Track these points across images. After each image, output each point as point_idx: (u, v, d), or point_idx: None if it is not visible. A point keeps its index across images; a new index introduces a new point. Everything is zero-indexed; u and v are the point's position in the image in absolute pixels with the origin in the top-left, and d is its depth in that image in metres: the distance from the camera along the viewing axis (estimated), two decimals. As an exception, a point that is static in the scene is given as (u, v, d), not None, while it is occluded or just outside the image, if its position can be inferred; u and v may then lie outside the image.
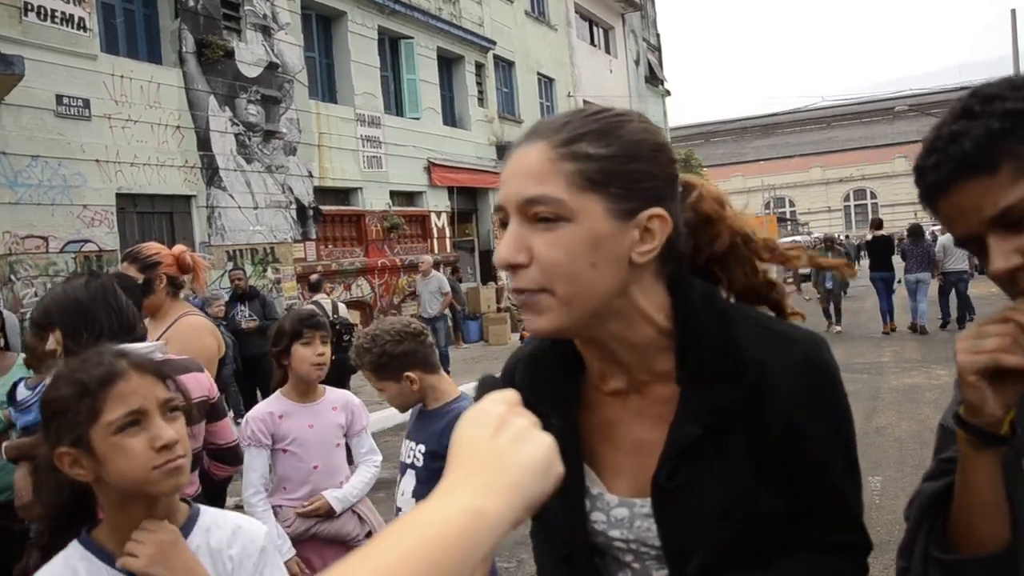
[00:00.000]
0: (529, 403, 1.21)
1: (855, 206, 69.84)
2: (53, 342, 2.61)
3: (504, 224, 1.11)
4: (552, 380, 1.25)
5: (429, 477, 2.53)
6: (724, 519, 1.11)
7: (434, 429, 2.59)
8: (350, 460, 3.32)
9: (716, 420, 1.11)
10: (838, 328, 15.15)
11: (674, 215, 1.11)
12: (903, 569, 1.18)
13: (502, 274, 20.22)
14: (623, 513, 1.20)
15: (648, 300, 1.13)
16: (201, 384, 2.69)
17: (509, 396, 0.82)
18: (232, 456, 2.86)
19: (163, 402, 1.44)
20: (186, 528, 1.50)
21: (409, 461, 2.67)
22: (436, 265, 17.71)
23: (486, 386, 0.89)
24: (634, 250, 1.08)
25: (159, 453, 1.40)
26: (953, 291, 14.00)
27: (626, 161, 1.07)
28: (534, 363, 1.29)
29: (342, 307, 9.67)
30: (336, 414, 3.16)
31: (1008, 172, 0.98)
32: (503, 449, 0.74)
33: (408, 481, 2.65)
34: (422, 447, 2.62)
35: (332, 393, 3.23)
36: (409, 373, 2.61)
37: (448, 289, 13.00)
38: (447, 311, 13.57)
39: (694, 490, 1.12)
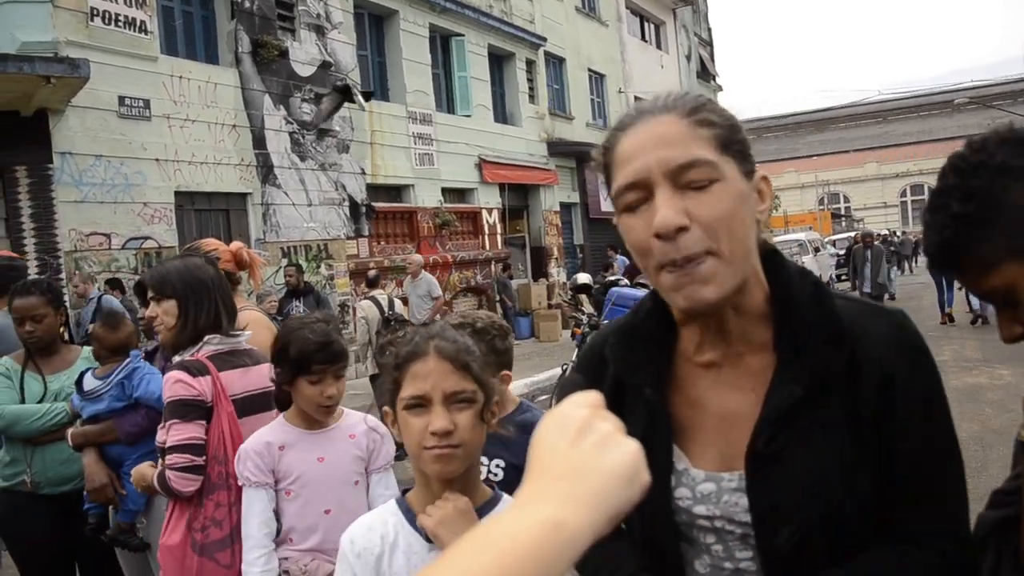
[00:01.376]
0: (620, 375, 1.25)
1: (912, 201, 68.32)
2: (160, 311, 2.73)
3: (633, 206, 1.11)
4: (646, 352, 1.25)
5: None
6: (818, 492, 1.09)
7: (512, 440, 2.31)
8: None
9: (815, 384, 1.11)
10: None
11: None
12: None
13: (552, 270, 20.23)
14: (710, 488, 1.18)
15: (758, 264, 1.17)
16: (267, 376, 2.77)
17: (592, 398, 0.78)
18: None
19: (451, 393, 1.49)
20: (484, 508, 1.56)
21: (484, 477, 2.43)
22: (488, 261, 17.77)
23: (568, 388, 0.87)
24: (756, 210, 1.14)
25: (431, 436, 1.47)
26: None
27: (737, 130, 1.14)
28: (627, 336, 1.29)
29: (398, 303, 9.74)
30: (354, 443, 2.54)
31: (975, 268, 1.06)
32: (585, 456, 0.70)
33: None
34: (499, 461, 2.39)
35: (350, 416, 2.61)
36: (507, 371, 2.47)
37: (439, 293, 11.50)
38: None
39: (790, 459, 1.11)
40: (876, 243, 15.62)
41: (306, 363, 2.40)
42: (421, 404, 1.48)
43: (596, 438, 0.72)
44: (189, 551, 2.56)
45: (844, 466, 1.10)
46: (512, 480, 2.22)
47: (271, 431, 2.52)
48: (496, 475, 2.37)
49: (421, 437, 1.47)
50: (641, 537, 1.25)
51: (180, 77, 11.37)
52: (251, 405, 2.72)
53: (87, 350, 3.67)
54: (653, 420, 1.19)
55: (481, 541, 0.62)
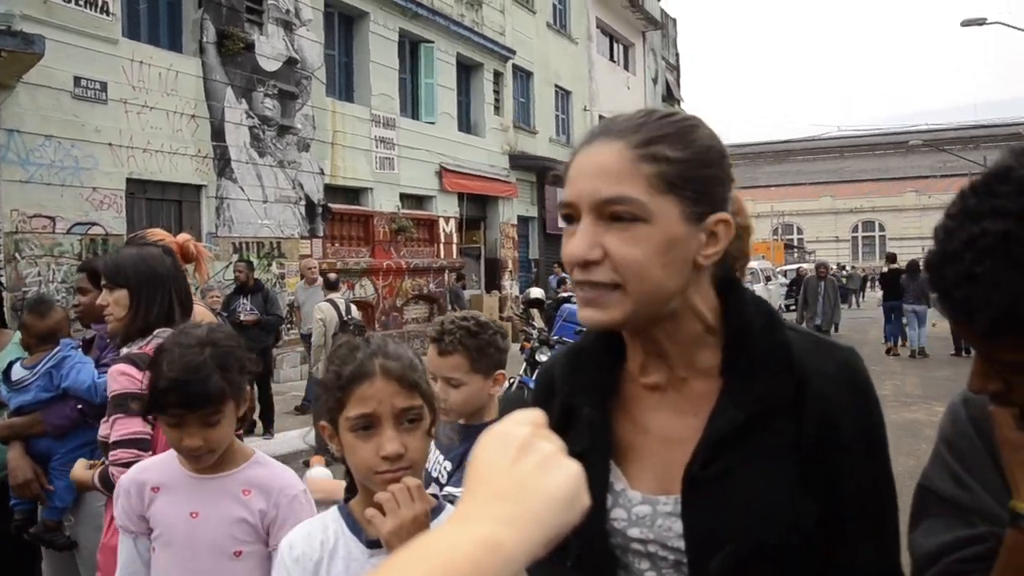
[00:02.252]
0: (565, 395, 1.24)
1: (863, 237, 69.75)
2: (111, 300, 2.64)
3: (569, 219, 1.12)
4: (591, 372, 1.25)
5: None
6: (755, 520, 1.08)
7: (466, 448, 2.26)
8: None
9: (760, 412, 1.10)
10: None
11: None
12: None
13: (506, 283, 20.23)
14: (645, 510, 1.16)
15: (701, 300, 1.16)
16: (123, 378, 2.64)
17: (534, 416, 0.76)
18: None
19: (400, 411, 1.46)
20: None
21: (435, 475, 2.34)
22: (442, 270, 17.70)
23: (512, 404, 0.85)
24: (700, 253, 1.11)
25: (383, 461, 1.43)
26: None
27: (700, 166, 1.10)
28: (575, 356, 1.30)
29: (354, 308, 9.65)
30: (246, 503, 1.97)
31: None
32: (526, 475, 0.69)
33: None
34: (448, 464, 2.32)
35: (259, 465, 2.04)
36: (502, 371, 2.41)
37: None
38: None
39: (727, 485, 1.10)
40: (830, 276, 15.32)
41: (159, 404, 1.90)
42: (369, 425, 1.45)
43: (537, 458, 0.71)
44: None
45: (785, 496, 1.09)
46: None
47: (152, 465, 2.05)
48: (443, 477, 2.31)
49: (372, 462, 1.44)
50: (575, 557, 1.21)
51: (140, 62, 11.14)
52: None
53: (19, 336, 3.54)
54: (592, 439, 1.19)
55: (422, 554, 0.61)
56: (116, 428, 2.46)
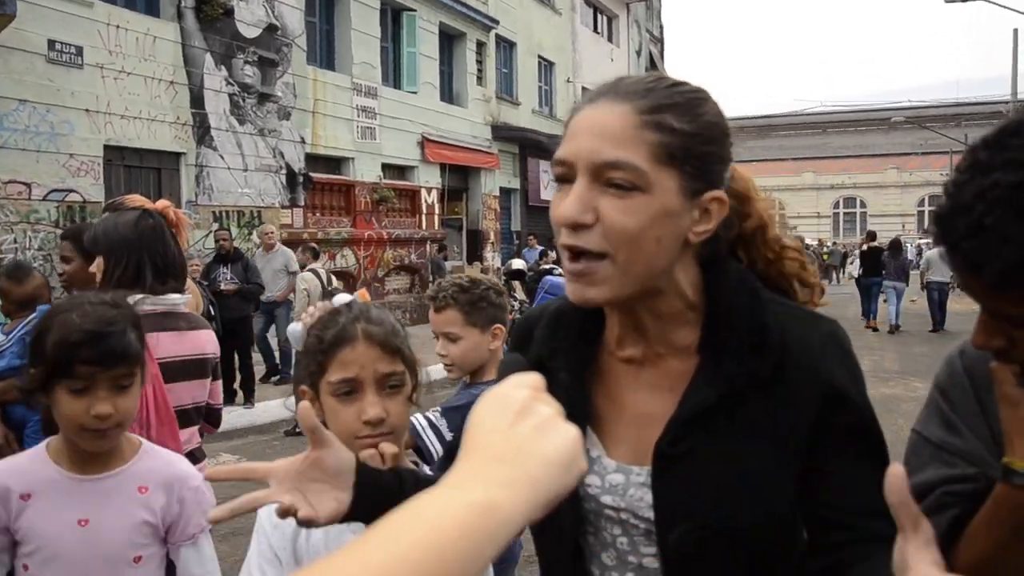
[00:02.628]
0: (542, 358, 1.21)
1: (844, 214, 70.13)
2: (95, 267, 2.64)
3: (563, 179, 1.08)
4: (570, 338, 1.23)
5: None
6: (724, 498, 1.08)
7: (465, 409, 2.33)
8: None
9: (733, 390, 1.09)
10: None
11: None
12: None
13: (488, 254, 20.19)
14: (618, 479, 1.17)
15: (685, 276, 1.13)
16: (215, 342, 2.73)
17: (533, 380, 0.75)
18: (216, 418, 2.84)
19: (382, 376, 1.44)
20: None
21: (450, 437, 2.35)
22: (423, 241, 17.64)
23: (509, 367, 0.84)
24: (692, 229, 1.09)
25: (364, 426, 1.42)
26: (937, 298, 15.71)
27: (704, 142, 1.07)
28: (555, 320, 1.27)
29: (333, 278, 9.64)
30: (143, 501, 1.78)
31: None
32: (524, 438, 0.68)
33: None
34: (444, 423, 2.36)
35: (149, 457, 1.83)
36: (500, 325, 2.46)
37: (296, 268, 10.16)
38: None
39: (697, 462, 1.10)
40: (810, 251, 14.48)
41: (66, 360, 1.65)
42: (351, 390, 1.44)
43: (536, 421, 0.70)
44: None
45: (755, 477, 1.09)
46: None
47: (14, 467, 1.76)
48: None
49: (353, 427, 1.43)
50: (545, 521, 1.21)
51: (117, 26, 10.95)
52: (182, 371, 2.59)
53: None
54: (569, 404, 1.17)
55: (411, 519, 0.59)
56: None
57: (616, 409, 1.20)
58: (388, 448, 1.41)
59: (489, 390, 0.75)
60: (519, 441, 0.68)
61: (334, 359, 1.45)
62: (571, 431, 0.72)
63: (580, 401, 1.18)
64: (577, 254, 1.06)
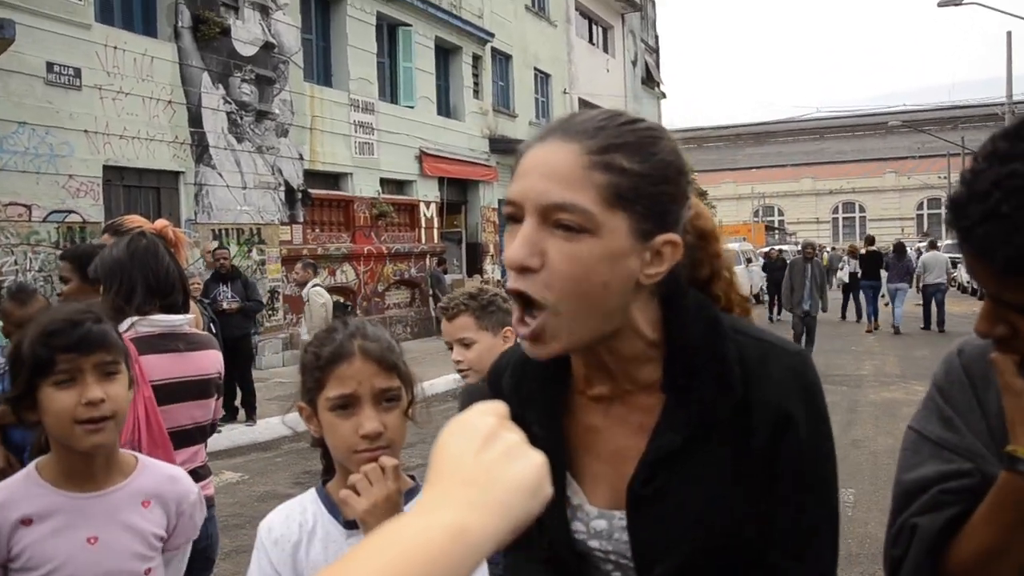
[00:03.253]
0: (513, 411, 1.21)
1: (843, 219, 70.16)
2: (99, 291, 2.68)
3: (513, 218, 1.06)
4: (537, 387, 1.23)
5: None
6: (697, 530, 1.10)
7: None
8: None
9: (698, 430, 1.10)
10: None
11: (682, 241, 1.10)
12: None
13: (487, 267, 20.20)
14: (602, 525, 1.18)
15: (642, 316, 1.11)
16: (219, 361, 2.77)
17: (498, 408, 0.77)
18: (210, 431, 2.84)
19: (379, 391, 1.46)
20: (406, 498, 1.51)
21: None
22: (423, 255, 17.66)
23: (473, 396, 0.86)
24: (643, 271, 1.06)
25: (362, 440, 1.44)
26: (932, 300, 16.55)
27: (656, 182, 1.04)
28: (519, 369, 1.27)
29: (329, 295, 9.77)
30: (148, 514, 1.81)
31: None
32: (491, 465, 0.70)
33: None
34: None
35: (146, 470, 1.86)
36: (509, 328, 2.50)
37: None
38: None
39: (669, 499, 1.11)
40: (816, 257, 13.55)
41: (46, 353, 1.63)
42: (348, 404, 1.46)
43: (502, 448, 0.72)
44: None
45: (723, 507, 1.10)
46: None
47: (8, 494, 1.70)
48: None
49: (351, 441, 1.45)
50: (548, 559, 1.25)
51: (115, 47, 11.00)
52: (178, 392, 2.60)
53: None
54: (547, 455, 1.18)
55: (386, 544, 0.61)
56: None
57: (592, 449, 1.20)
58: (387, 461, 1.43)
59: (455, 418, 0.76)
60: (487, 467, 0.69)
61: (331, 375, 1.47)
62: (537, 458, 0.73)
63: (556, 449, 1.16)
64: (525, 303, 1.04)
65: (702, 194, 37.44)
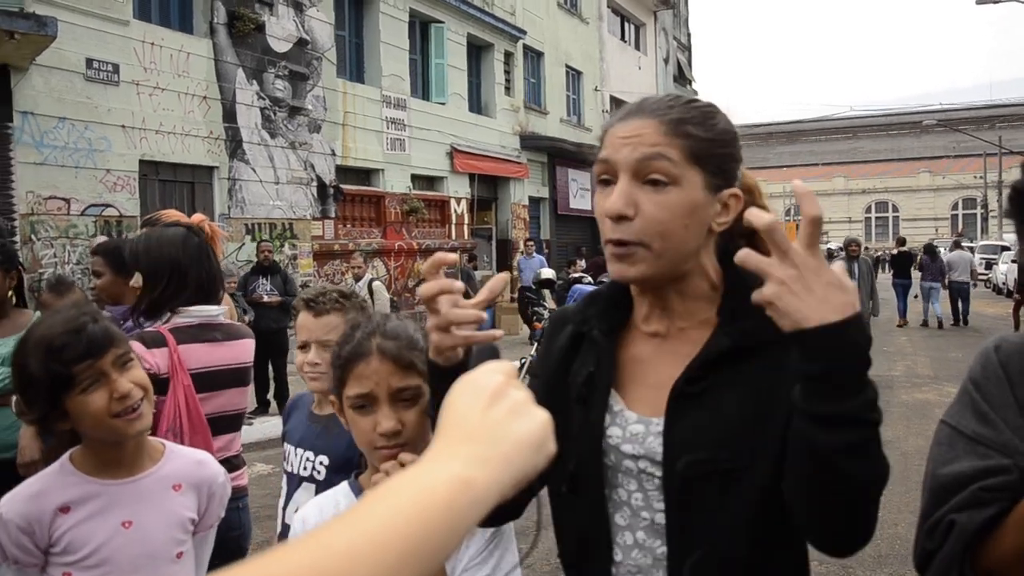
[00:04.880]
0: (577, 323, 1.38)
1: (876, 218, 69.34)
2: (135, 282, 2.71)
3: (604, 180, 1.27)
4: (604, 309, 1.40)
5: None
6: (728, 439, 1.21)
7: (338, 439, 2.06)
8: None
9: (745, 343, 1.23)
10: None
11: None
12: None
13: (516, 264, 20.22)
14: (639, 428, 1.29)
15: (709, 260, 1.31)
16: (252, 350, 2.81)
17: (506, 367, 0.80)
18: (239, 421, 2.88)
19: (396, 390, 1.48)
20: None
21: (307, 473, 2.16)
22: (453, 251, 17.68)
23: (483, 354, 0.89)
24: (715, 220, 1.27)
25: (380, 437, 1.47)
26: (959, 297, 17.66)
27: (720, 146, 1.26)
28: (589, 299, 1.44)
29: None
30: (180, 497, 1.86)
31: None
32: (497, 421, 0.72)
33: (304, 495, 2.13)
34: (324, 459, 2.15)
35: (174, 456, 1.91)
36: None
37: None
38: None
39: (708, 402, 1.23)
40: (863, 255, 12.18)
41: (64, 370, 1.66)
42: (366, 403, 1.48)
43: (509, 405, 0.74)
44: None
45: (758, 420, 1.20)
46: (333, 481, 1.96)
47: (48, 479, 1.76)
48: (318, 474, 2.14)
49: (371, 438, 1.48)
50: (570, 478, 1.32)
51: (152, 44, 11.16)
52: (215, 380, 2.65)
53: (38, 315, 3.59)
54: (598, 361, 1.34)
55: (393, 494, 0.63)
56: None
57: (640, 374, 1.34)
58: (406, 457, 1.44)
59: (464, 376, 0.79)
60: (493, 423, 0.72)
61: (351, 374, 1.50)
62: (542, 415, 0.76)
63: (608, 357, 1.34)
64: (621, 244, 1.23)
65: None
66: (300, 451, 2.19)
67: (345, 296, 2.26)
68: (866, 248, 35.14)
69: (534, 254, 16.88)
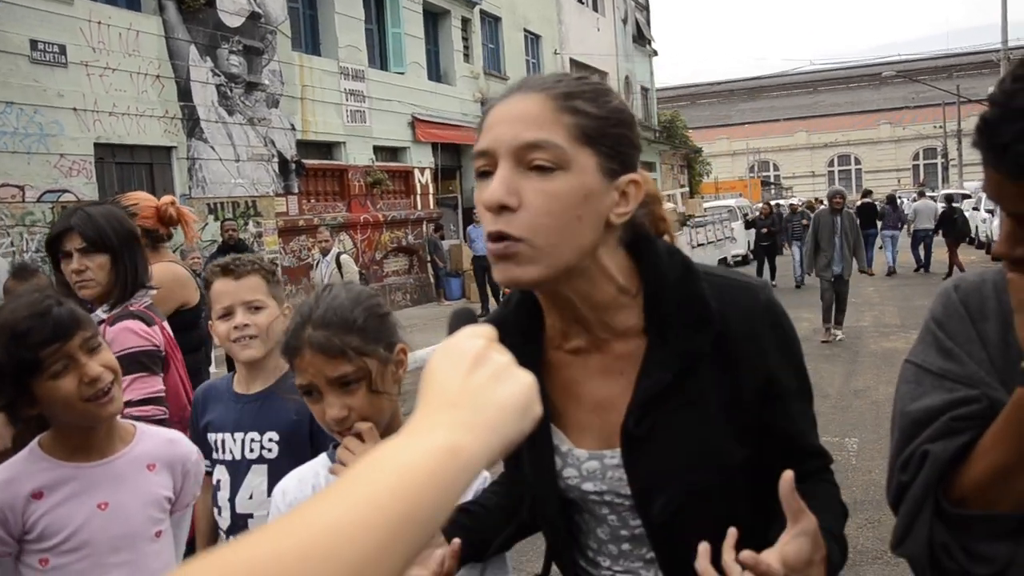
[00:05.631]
0: None
1: (839, 171, 69.93)
2: (93, 265, 2.57)
3: (485, 173, 1.11)
4: (515, 343, 1.24)
5: (295, 464, 1.80)
6: (689, 467, 1.17)
7: (282, 411, 2.07)
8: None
9: (684, 367, 1.16)
10: (839, 335, 10.56)
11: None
12: (902, 535, 1.17)
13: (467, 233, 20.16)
14: (594, 465, 1.23)
15: (611, 261, 1.17)
16: (136, 335, 2.48)
17: (487, 331, 0.78)
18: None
19: (333, 379, 1.46)
20: None
21: (255, 455, 2.09)
22: (419, 221, 17.63)
23: (461, 319, 0.86)
24: (613, 211, 1.12)
25: (332, 422, 1.48)
26: (921, 245, 18.70)
27: (614, 124, 1.13)
28: (498, 328, 1.27)
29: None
30: (156, 477, 1.84)
31: None
32: (480, 386, 0.71)
33: (256, 478, 2.08)
34: (272, 435, 2.09)
35: (147, 436, 1.88)
36: (289, 307, 2.21)
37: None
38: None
39: (662, 436, 1.17)
40: (846, 208, 11.00)
41: (30, 355, 1.61)
42: (310, 392, 1.49)
43: (491, 369, 0.73)
44: None
45: (714, 441, 1.17)
46: (288, 455, 2.01)
47: (15, 471, 1.72)
48: (269, 451, 2.10)
49: (325, 422, 1.50)
50: (537, 512, 1.32)
51: (99, 23, 10.88)
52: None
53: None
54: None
55: (378, 466, 0.61)
56: (139, 386, 2.35)
57: (573, 400, 1.25)
58: (361, 425, 1.46)
59: (444, 341, 0.77)
60: (476, 388, 0.70)
61: (293, 365, 1.51)
62: (526, 378, 0.74)
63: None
64: (501, 238, 1.07)
65: (696, 151, 37.37)
66: (239, 435, 2.12)
67: (259, 261, 2.24)
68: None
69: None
